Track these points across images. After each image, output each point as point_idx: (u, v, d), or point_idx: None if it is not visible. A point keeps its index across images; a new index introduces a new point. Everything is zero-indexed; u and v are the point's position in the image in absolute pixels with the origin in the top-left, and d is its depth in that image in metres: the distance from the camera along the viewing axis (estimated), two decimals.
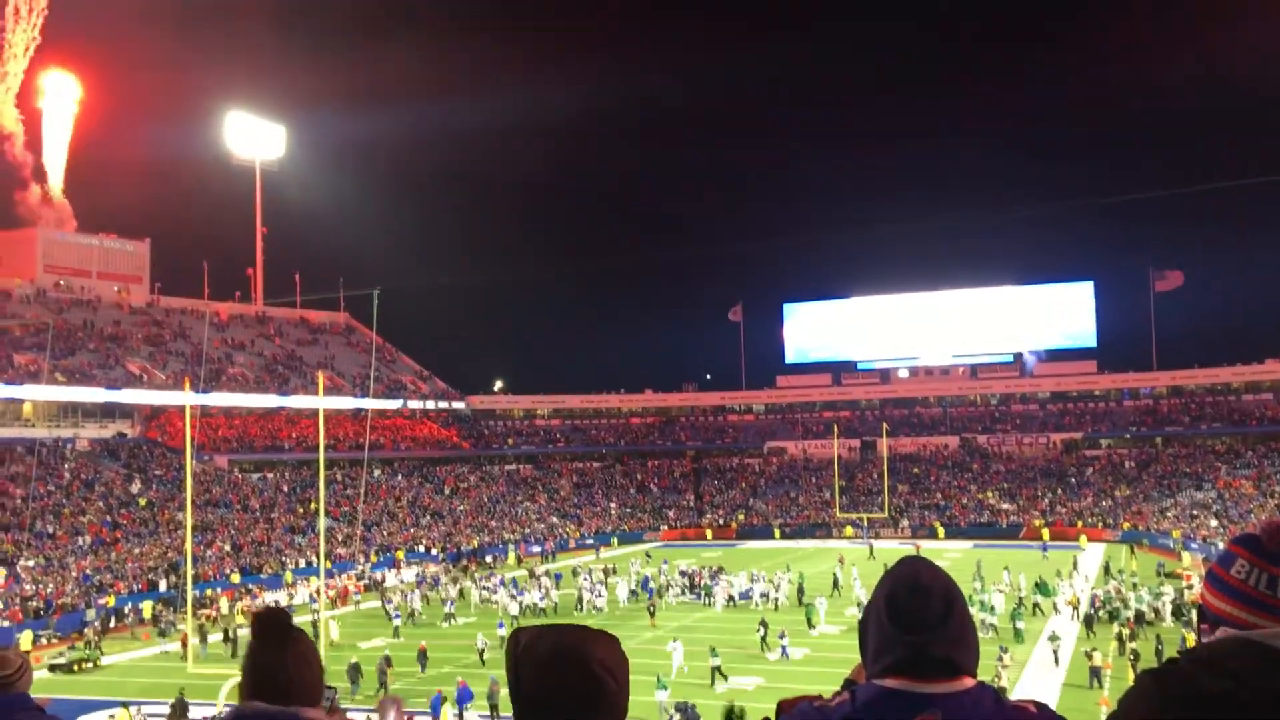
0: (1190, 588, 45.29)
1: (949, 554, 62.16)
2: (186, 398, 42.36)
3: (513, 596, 47.19)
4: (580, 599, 47.99)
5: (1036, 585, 46.16)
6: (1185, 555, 59.22)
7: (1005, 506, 79.91)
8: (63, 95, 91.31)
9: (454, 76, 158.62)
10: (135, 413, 71.40)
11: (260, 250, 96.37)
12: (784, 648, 36.53)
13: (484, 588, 51.68)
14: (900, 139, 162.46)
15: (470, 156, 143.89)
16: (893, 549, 66.33)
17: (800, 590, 48.27)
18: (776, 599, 47.67)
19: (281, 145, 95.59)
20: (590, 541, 75.79)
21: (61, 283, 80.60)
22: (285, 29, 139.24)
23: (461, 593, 51.21)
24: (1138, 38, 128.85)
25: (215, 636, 41.53)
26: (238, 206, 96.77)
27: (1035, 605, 44.22)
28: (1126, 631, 36.63)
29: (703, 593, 50.20)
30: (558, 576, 54.87)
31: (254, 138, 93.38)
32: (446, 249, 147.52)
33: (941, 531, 76.56)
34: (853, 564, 54.79)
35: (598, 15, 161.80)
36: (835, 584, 50.35)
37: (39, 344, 67.77)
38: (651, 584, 50.62)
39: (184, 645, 38.12)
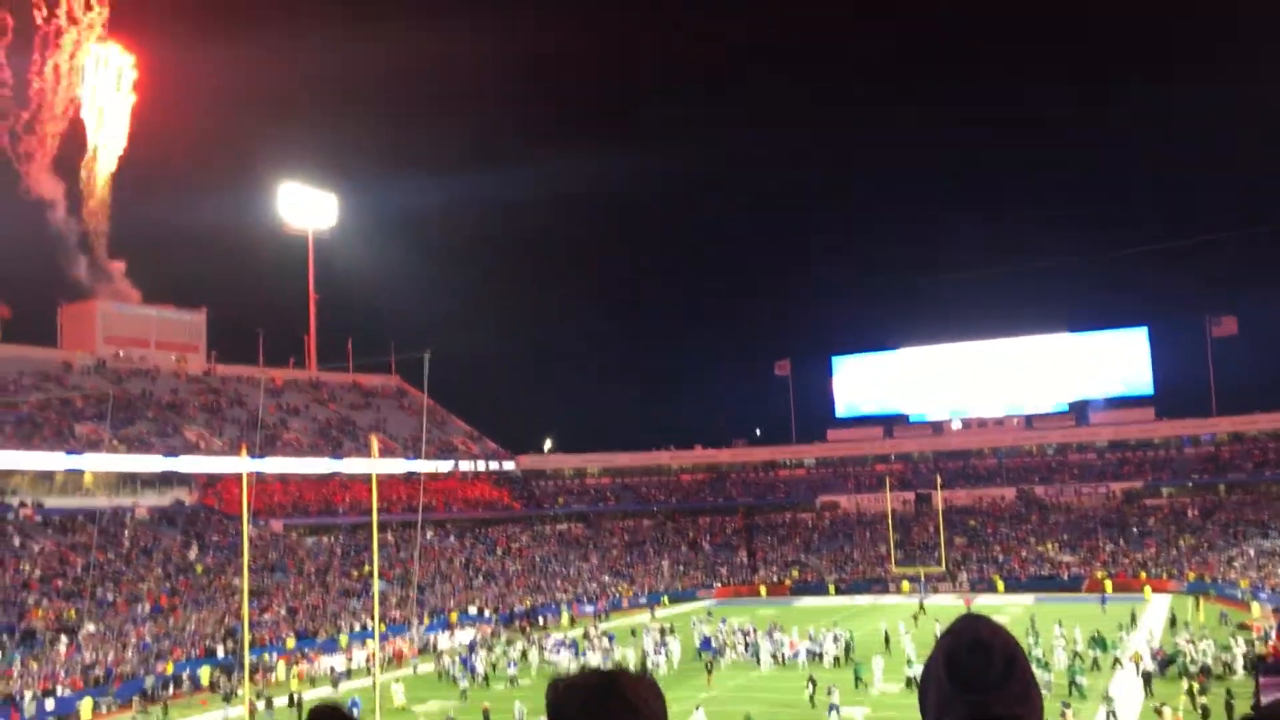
0: (1262, 639, 43.99)
1: (1009, 609, 60.91)
2: (243, 464, 42.81)
3: (574, 658, 46.99)
4: (644, 660, 47.61)
5: (1093, 639, 44.86)
6: (1255, 606, 57.58)
7: (1066, 559, 78.25)
8: (108, 159, 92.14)
9: (501, 144, 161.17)
10: (193, 480, 72.32)
11: (314, 317, 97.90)
12: (834, 706, 35.42)
13: (544, 649, 51.43)
14: (947, 188, 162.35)
15: (517, 220, 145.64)
16: (942, 605, 64.80)
17: (848, 648, 47.42)
18: (837, 655, 46.92)
19: (334, 214, 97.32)
20: (643, 601, 75.25)
21: (121, 354, 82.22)
22: (337, 101, 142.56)
23: (524, 654, 50.97)
24: (1189, 82, 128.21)
25: (280, 700, 41.63)
26: (291, 274, 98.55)
27: (1094, 660, 43.06)
28: (1196, 685, 35.59)
29: (753, 651, 49.45)
30: (610, 637, 54.41)
31: (307, 207, 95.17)
32: (495, 311, 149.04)
33: (1001, 585, 75.09)
34: (899, 619, 53.80)
35: (643, 85, 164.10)
36: (886, 641, 49.42)
37: (99, 414, 69.07)
38: (713, 643, 49.97)
39: (250, 712, 38.13)
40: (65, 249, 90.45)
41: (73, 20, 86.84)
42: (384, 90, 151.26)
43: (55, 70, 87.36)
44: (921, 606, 63.35)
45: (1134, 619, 52.52)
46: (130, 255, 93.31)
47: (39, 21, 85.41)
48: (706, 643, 50.00)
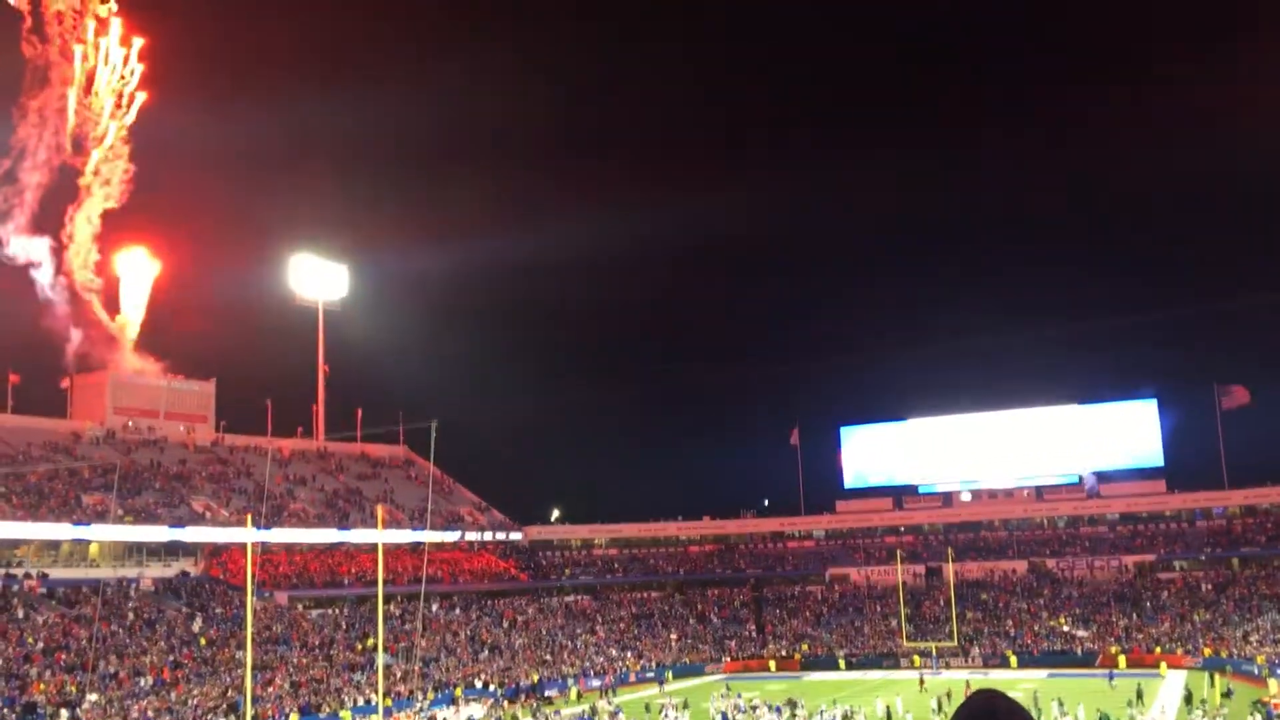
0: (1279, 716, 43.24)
1: (1022, 684, 59.90)
2: (248, 535, 42.73)
3: None
4: None
5: (1100, 718, 43.91)
6: (1272, 682, 56.73)
7: (1080, 633, 77.19)
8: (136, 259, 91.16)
9: (509, 212, 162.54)
10: (198, 551, 71.92)
11: (322, 387, 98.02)
12: None
13: None
14: (955, 257, 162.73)
15: (526, 289, 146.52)
16: (944, 681, 63.24)
17: None
18: None
19: (344, 285, 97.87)
20: (650, 675, 74.15)
21: (130, 424, 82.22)
22: (348, 172, 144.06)
23: None
24: (1198, 146, 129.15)
25: None
26: (301, 345, 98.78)
27: None
28: None
29: None
30: (616, 712, 53.64)
31: (317, 279, 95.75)
32: (503, 381, 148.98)
33: (1014, 660, 74.01)
34: (897, 694, 52.95)
35: (653, 149, 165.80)
36: (889, 717, 48.61)
37: (106, 484, 68.94)
38: (730, 718, 49.12)
39: None
40: (56, 313, 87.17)
41: (66, 56, 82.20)
42: (396, 160, 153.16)
43: (40, 113, 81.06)
44: (922, 682, 62.25)
45: (1140, 695, 51.52)
46: (138, 325, 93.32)
47: (28, 54, 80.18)
48: (724, 718, 49.15)
